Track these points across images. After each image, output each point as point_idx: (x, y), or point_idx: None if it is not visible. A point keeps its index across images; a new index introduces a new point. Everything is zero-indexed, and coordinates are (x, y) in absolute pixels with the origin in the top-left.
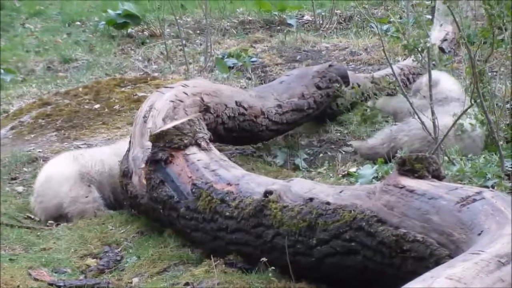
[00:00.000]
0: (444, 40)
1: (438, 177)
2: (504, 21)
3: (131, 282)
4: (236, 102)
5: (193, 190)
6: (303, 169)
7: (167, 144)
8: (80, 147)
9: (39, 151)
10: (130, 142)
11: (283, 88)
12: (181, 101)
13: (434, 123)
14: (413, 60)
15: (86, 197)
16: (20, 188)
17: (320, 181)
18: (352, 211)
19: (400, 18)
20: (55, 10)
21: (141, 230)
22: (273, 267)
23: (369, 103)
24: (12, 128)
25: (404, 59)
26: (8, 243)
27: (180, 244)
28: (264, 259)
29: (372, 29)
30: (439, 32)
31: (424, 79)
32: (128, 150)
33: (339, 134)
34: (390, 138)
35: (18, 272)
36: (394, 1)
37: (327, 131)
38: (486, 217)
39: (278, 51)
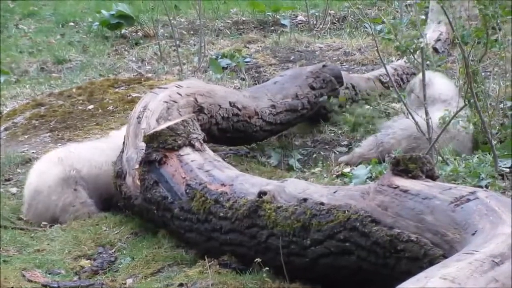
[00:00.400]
0: (438, 40)
1: (432, 177)
2: (498, 21)
3: (125, 283)
4: (230, 103)
5: (187, 190)
6: (297, 170)
7: (161, 144)
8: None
9: (33, 152)
10: (124, 143)
11: (277, 88)
12: (175, 102)
13: (428, 123)
14: (405, 61)
15: (74, 206)
16: (14, 190)
17: (314, 182)
18: (346, 212)
19: (394, 18)
20: (48, 11)
21: (135, 231)
22: (267, 268)
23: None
24: (6, 129)
25: (398, 59)
26: (1, 245)
27: (174, 245)
28: (258, 259)
29: (365, 29)
30: (433, 32)
31: (417, 79)
32: (122, 151)
33: (333, 134)
34: (376, 144)
35: (12, 273)
36: (387, 2)
37: (321, 132)
38: (480, 217)
39: (272, 52)
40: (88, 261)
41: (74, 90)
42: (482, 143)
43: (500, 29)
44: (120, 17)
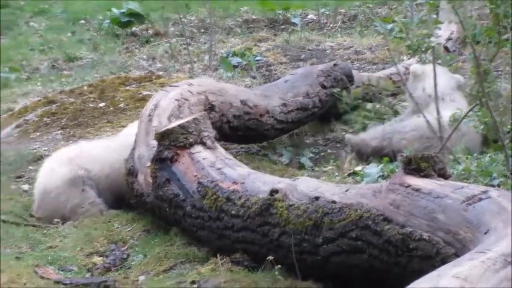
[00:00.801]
0: (449, 39)
1: (444, 176)
2: (510, 20)
3: (138, 280)
4: (241, 101)
5: (199, 188)
6: (309, 168)
7: (172, 142)
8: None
9: (45, 149)
10: (135, 140)
11: (288, 87)
12: (186, 100)
13: (439, 122)
14: (416, 60)
15: (82, 207)
16: (25, 186)
17: (326, 180)
18: (358, 210)
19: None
20: (59, 9)
21: (147, 228)
22: (279, 266)
23: (370, 106)
24: (17, 126)
25: (409, 58)
26: (14, 241)
27: (186, 242)
28: (270, 257)
29: (376, 28)
30: (444, 31)
31: (412, 69)
32: (134, 149)
33: (344, 133)
34: (382, 135)
35: (25, 270)
36: (398, 1)
37: (332, 130)
38: (492, 216)
39: (282, 50)
40: (101, 258)
41: (85, 87)
42: (494, 142)
43: (510, 29)
44: (130, 15)
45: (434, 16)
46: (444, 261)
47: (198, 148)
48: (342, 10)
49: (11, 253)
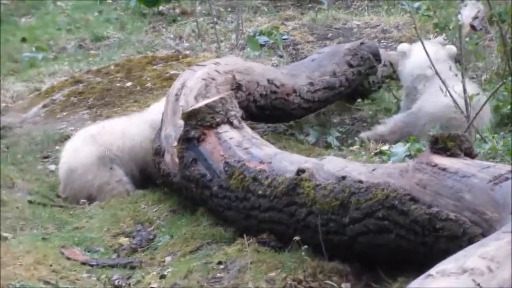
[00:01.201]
0: (475, 18)
1: (470, 155)
2: None
3: (164, 261)
4: (268, 80)
5: (226, 168)
6: (335, 147)
7: (199, 122)
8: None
9: (71, 129)
10: (162, 120)
11: (314, 66)
12: (213, 79)
13: (466, 101)
14: (444, 38)
15: (109, 184)
16: (52, 167)
17: (353, 160)
18: (385, 190)
19: None
20: None
21: (174, 208)
22: (305, 246)
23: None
24: (44, 106)
25: (436, 37)
26: (40, 222)
27: (213, 223)
28: (297, 237)
29: (403, 6)
30: (470, 10)
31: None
32: (160, 129)
33: (371, 112)
34: (400, 128)
35: (51, 251)
36: None
37: (359, 109)
38: None
39: (309, 29)
40: (127, 238)
41: (112, 67)
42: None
43: None
44: None
45: None
46: (470, 241)
47: (224, 128)
48: None
49: (38, 234)
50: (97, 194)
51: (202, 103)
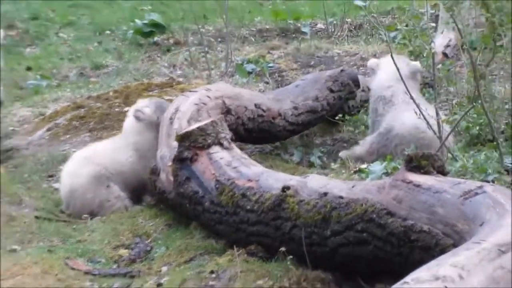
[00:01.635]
0: (448, 46)
1: (442, 172)
2: (504, 28)
3: (161, 271)
4: (255, 105)
5: (217, 186)
6: (318, 166)
7: (192, 143)
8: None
9: (74, 151)
10: (158, 142)
11: (298, 91)
12: (205, 104)
13: (438, 122)
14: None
15: (109, 201)
16: (56, 185)
17: (334, 177)
18: (364, 204)
19: (407, 26)
20: (86, 20)
21: (169, 223)
22: (291, 257)
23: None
24: (48, 130)
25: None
26: (46, 236)
27: (205, 236)
28: (282, 249)
29: (380, 36)
30: (443, 39)
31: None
32: (156, 150)
33: (350, 133)
34: (377, 149)
35: (56, 262)
36: (401, 10)
37: (339, 131)
38: (487, 209)
39: (293, 57)
40: (126, 250)
41: (111, 93)
42: (489, 141)
43: (505, 36)
44: (152, 25)
45: (433, 24)
46: (443, 251)
47: (215, 149)
48: (349, 20)
49: (44, 247)
50: (98, 210)
51: (194, 126)
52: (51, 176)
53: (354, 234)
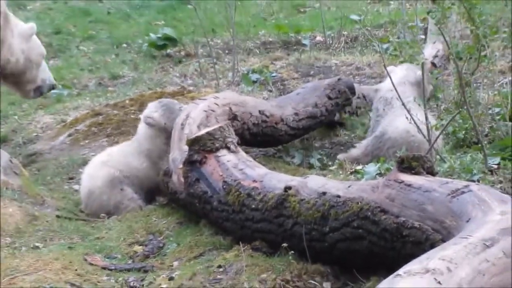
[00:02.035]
0: (436, 56)
1: (431, 173)
2: (487, 39)
3: (172, 265)
4: (259, 111)
5: (224, 186)
6: (317, 168)
7: (201, 147)
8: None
9: (92, 155)
10: (170, 146)
11: (299, 98)
12: (213, 111)
13: (428, 127)
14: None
15: (123, 203)
16: (76, 187)
17: (332, 178)
18: (359, 203)
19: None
20: (105, 34)
21: (180, 221)
22: (292, 251)
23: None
24: (69, 135)
25: None
26: (67, 234)
27: (213, 233)
28: (285, 244)
29: (374, 47)
30: (432, 50)
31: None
32: (168, 153)
33: (347, 137)
34: (372, 152)
35: (76, 258)
36: (393, 24)
37: (337, 135)
38: (473, 206)
39: (294, 67)
40: (141, 247)
41: (127, 101)
42: (474, 144)
43: (488, 47)
44: (165, 39)
45: (423, 36)
46: (432, 246)
47: (223, 152)
48: (345, 33)
49: (65, 244)
50: (114, 211)
51: (203, 131)
52: (71, 178)
53: (350, 230)
